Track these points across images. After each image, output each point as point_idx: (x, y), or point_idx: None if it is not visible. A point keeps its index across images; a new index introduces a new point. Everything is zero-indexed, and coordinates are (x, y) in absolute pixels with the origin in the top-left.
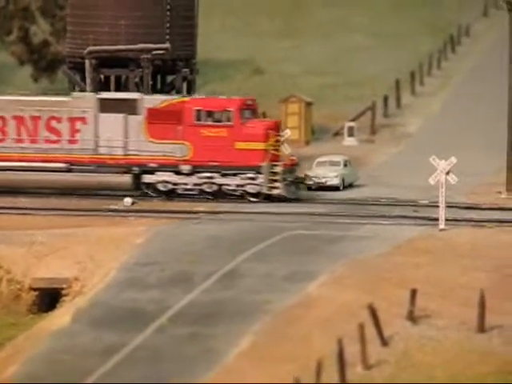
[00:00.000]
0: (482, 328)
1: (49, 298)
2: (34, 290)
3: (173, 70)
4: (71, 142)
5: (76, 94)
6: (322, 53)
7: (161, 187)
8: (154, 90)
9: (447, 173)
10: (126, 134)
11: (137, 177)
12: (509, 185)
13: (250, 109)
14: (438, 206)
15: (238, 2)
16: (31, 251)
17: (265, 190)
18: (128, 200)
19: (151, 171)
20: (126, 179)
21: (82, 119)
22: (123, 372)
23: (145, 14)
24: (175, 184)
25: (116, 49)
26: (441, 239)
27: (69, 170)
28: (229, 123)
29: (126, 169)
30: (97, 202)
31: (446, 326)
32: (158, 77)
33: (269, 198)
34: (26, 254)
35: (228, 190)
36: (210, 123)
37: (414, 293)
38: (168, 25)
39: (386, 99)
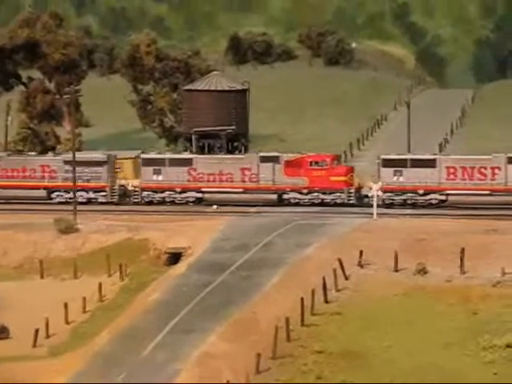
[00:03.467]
0: (396, 269)
1: (174, 258)
2: (167, 253)
3: (236, 140)
4: (492, 179)
5: (441, 156)
6: (315, 131)
7: None
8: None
9: (378, 190)
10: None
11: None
12: None
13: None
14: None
15: (270, 104)
16: (165, 233)
17: None
18: (214, 206)
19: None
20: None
21: (495, 168)
22: (212, 296)
23: (221, 111)
24: None
25: (208, 129)
26: (374, 224)
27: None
28: None
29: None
30: (200, 208)
31: (378, 268)
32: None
33: None
34: (162, 235)
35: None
36: None
37: (361, 252)
38: (234, 116)
39: (345, 152)
